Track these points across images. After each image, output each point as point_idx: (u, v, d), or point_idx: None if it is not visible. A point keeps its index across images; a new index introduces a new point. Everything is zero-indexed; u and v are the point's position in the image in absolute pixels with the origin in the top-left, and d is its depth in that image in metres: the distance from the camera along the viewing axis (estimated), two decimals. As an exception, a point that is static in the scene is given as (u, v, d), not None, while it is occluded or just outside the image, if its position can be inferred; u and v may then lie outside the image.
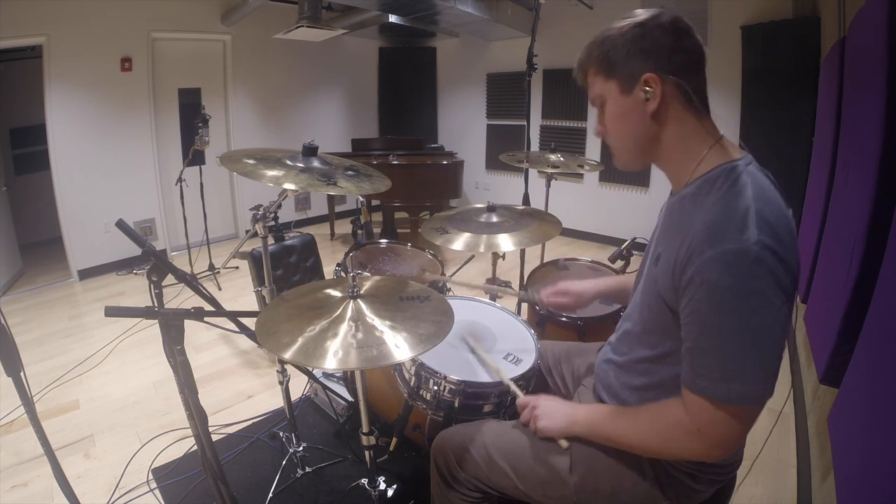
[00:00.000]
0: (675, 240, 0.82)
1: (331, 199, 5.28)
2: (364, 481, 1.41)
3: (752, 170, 0.82)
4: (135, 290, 3.92)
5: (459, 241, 1.60)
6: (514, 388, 1.16)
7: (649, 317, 0.91)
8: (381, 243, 2.15)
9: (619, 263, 1.93)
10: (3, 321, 1.05)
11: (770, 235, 0.72)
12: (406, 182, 4.24)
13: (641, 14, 0.84)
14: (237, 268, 4.22)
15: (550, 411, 1.00)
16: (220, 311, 1.17)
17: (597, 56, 0.88)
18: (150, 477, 1.83)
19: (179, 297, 3.44)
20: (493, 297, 1.82)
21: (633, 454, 0.96)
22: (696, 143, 0.86)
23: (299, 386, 2.25)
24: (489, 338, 1.41)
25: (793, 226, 0.78)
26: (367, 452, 1.34)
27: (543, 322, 1.77)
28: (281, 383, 1.76)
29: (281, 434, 1.92)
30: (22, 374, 1.09)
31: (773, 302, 0.72)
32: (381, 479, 1.42)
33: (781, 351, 0.74)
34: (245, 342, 2.86)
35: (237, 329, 1.27)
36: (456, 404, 1.21)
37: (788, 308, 0.74)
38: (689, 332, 0.79)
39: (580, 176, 5.06)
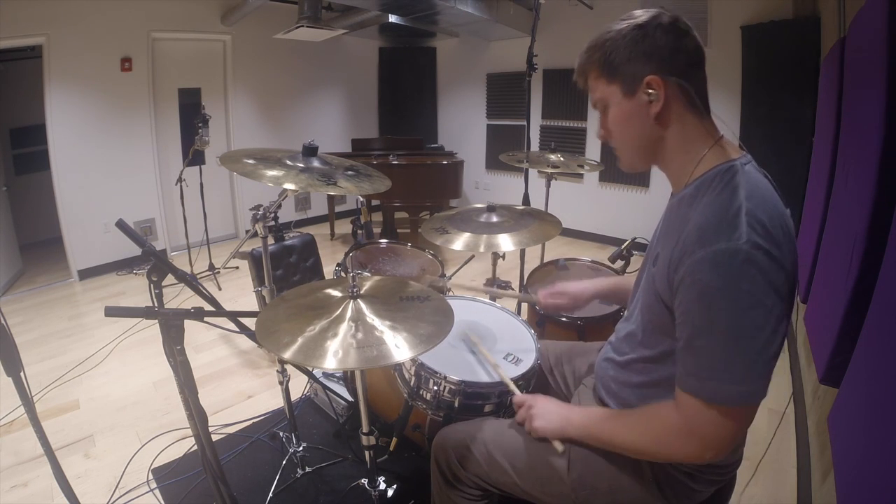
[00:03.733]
0: (671, 240, 0.83)
1: (331, 199, 5.28)
2: (364, 481, 1.41)
3: (750, 169, 0.82)
4: (135, 290, 3.91)
5: (459, 241, 1.60)
6: (511, 386, 1.16)
7: (649, 317, 0.91)
8: (381, 243, 2.15)
9: (619, 263, 1.93)
10: (3, 321, 1.05)
11: (762, 235, 0.72)
12: (406, 182, 4.23)
13: (641, 15, 0.84)
14: (237, 268, 4.22)
15: (545, 412, 1.01)
16: (220, 311, 1.17)
17: (598, 59, 0.87)
18: (150, 477, 1.83)
19: (179, 297, 3.44)
20: (494, 298, 1.82)
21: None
22: (696, 144, 0.86)
23: (299, 386, 2.25)
24: (489, 338, 1.41)
25: (790, 226, 0.77)
26: (367, 452, 1.34)
27: (543, 322, 1.77)
28: (281, 383, 1.76)
29: (281, 434, 1.92)
30: (22, 374, 1.08)
31: (765, 302, 0.71)
32: (381, 479, 1.41)
33: (775, 352, 0.74)
34: (245, 342, 2.86)
35: (237, 329, 1.27)
36: (456, 404, 1.21)
37: (783, 308, 0.73)
38: (681, 331, 0.79)
39: (580, 176, 5.06)
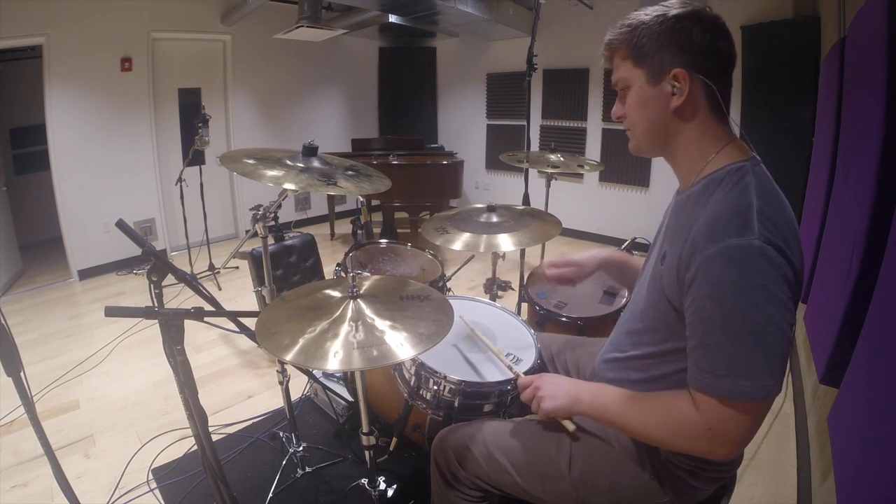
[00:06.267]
0: (680, 238, 0.82)
1: (331, 199, 5.28)
2: (364, 481, 1.41)
3: (760, 171, 0.82)
4: (135, 290, 3.91)
5: (459, 241, 1.60)
6: (514, 368, 1.16)
7: (654, 315, 0.91)
8: (381, 243, 2.15)
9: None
10: (3, 321, 1.05)
11: (773, 232, 0.72)
12: (406, 182, 4.23)
13: (679, 6, 0.83)
14: (237, 268, 4.22)
15: (553, 390, 0.98)
16: (220, 311, 1.17)
17: (628, 40, 0.86)
18: (150, 477, 1.83)
19: (179, 297, 3.44)
20: (493, 297, 1.82)
21: (632, 449, 0.96)
22: (709, 143, 0.86)
23: (299, 386, 2.25)
24: (489, 337, 1.41)
25: (796, 228, 0.78)
26: (367, 452, 1.34)
27: (543, 322, 1.77)
28: (281, 383, 1.76)
29: (281, 434, 1.92)
30: (22, 374, 1.08)
31: (779, 296, 0.71)
32: (381, 479, 1.42)
33: (788, 346, 0.73)
34: (245, 342, 2.86)
35: (237, 329, 1.27)
36: (456, 404, 1.21)
37: (795, 303, 0.73)
38: (693, 329, 0.78)
39: (580, 176, 5.05)
